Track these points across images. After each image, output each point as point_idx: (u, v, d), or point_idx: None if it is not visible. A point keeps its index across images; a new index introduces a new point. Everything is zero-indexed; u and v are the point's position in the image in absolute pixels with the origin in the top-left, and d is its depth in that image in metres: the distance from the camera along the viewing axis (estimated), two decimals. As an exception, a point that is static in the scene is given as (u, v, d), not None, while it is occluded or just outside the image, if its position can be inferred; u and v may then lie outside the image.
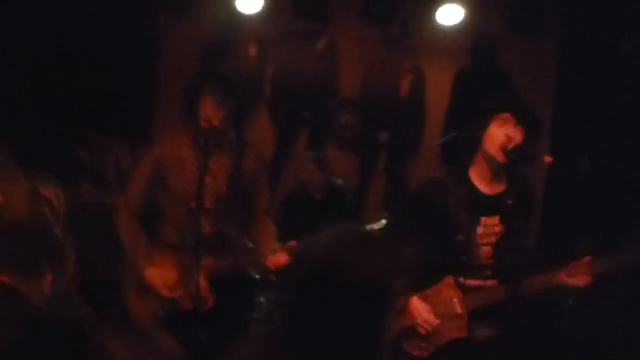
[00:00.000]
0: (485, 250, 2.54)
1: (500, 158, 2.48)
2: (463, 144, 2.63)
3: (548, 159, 2.55)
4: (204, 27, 5.15)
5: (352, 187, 4.96)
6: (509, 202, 2.53)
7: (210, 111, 2.68)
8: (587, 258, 2.43)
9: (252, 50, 5.12)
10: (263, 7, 4.80)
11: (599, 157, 4.58)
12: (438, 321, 2.57)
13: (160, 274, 2.78)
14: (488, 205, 2.55)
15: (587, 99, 4.63)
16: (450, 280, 2.58)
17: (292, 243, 2.80)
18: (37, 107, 4.22)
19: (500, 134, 2.47)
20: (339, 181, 4.66)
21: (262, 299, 3.23)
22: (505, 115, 2.50)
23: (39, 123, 4.05)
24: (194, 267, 2.65)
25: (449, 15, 4.82)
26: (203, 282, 2.71)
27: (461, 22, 4.83)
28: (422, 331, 2.56)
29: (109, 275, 3.34)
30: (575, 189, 4.41)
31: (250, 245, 2.90)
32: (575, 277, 2.43)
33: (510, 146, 2.45)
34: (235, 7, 4.79)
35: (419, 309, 2.57)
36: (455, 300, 2.56)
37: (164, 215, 2.90)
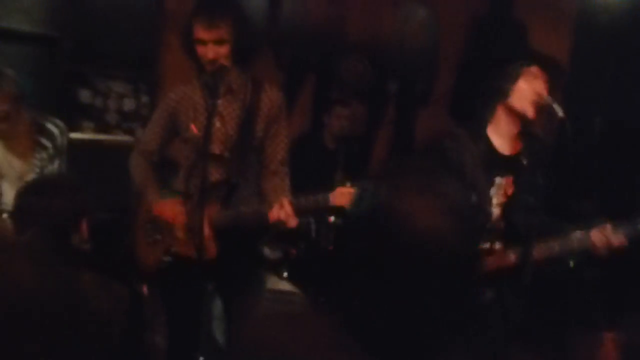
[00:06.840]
0: (496, 212, 2.45)
1: (532, 115, 2.37)
2: (485, 97, 2.48)
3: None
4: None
5: (358, 138, 4.86)
6: (524, 162, 2.43)
7: (202, 34, 2.51)
8: (606, 225, 2.34)
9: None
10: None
11: (613, 118, 4.47)
12: None
13: (170, 208, 2.72)
14: (503, 165, 2.44)
15: (603, 58, 4.47)
16: None
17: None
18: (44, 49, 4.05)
19: (531, 89, 2.35)
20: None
21: (267, 253, 3.17)
22: (536, 69, 2.38)
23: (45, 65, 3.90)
24: (198, 214, 2.55)
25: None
26: (207, 230, 2.61)
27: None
28: None
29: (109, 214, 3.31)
30: (588, 150, 4.33)
31: (260, 196, 2.77)
32: (597, 243, 2.33)
33: (542, 103, 2.34)
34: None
35: None
36: None
37: (178, 165, 2.83)
